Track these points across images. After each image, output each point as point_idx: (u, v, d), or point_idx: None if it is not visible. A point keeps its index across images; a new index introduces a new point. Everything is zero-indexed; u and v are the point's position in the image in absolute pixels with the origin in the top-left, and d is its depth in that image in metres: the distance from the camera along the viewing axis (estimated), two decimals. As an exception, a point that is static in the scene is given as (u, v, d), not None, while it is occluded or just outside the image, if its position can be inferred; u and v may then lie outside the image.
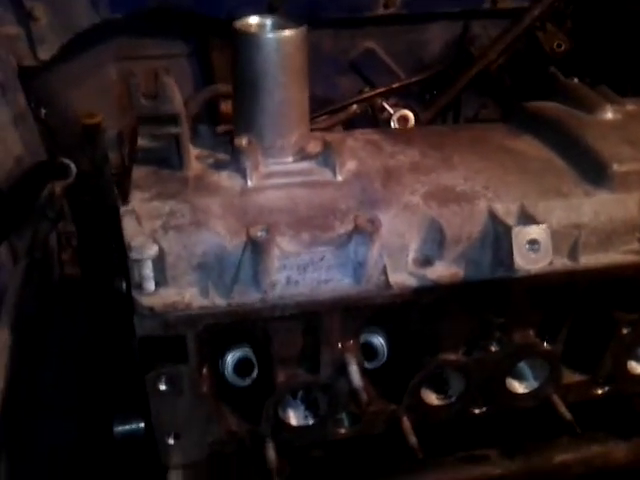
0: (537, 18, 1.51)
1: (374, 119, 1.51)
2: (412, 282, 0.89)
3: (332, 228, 0.88)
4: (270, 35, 0.90)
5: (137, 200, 0.88)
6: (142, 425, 1.01)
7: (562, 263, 0.92)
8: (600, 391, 1.09)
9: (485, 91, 1.67)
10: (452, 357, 0.98)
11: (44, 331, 1.28)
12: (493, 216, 0.89)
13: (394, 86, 1.55)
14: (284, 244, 0.85)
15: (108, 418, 1.01)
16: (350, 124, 1.50)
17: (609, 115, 1.06)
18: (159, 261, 0.82)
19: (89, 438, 1.26)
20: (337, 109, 1.48)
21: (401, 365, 1.00)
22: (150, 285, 0.83)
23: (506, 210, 0.89)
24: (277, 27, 0.94)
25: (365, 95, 1.51)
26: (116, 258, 0.95)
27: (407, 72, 1.63)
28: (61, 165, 1.29)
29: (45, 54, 1.31)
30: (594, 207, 0.92)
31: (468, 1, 1.58)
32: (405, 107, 1.48)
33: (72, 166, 1.29)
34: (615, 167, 0.93)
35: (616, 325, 1.02)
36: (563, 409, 1.04)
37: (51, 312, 1.33)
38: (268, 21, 0.95)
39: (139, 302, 0.83)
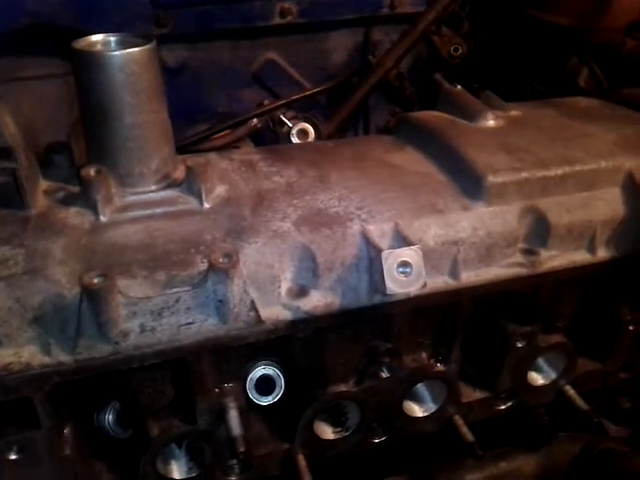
0: (432, 22, 1.48)
1: (274, 134, 1.44)
2: (286, 315, 0.82)
3: (192, 264, 0.80)
4: (112, 53, 0.82)
5: (-37, 248, 0.77)
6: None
7: (443, 281, 0.88)
8: (503, 406, 1.06)
9: (391, 99, 1.63)
10: (342, 388, 0.92)
11: None
12: (366, 239, 0.83)
13: (293, 97, 1.47)
14: (133, 288, 0.76)
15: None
16: (259, 139, 1.42)
17: (490, 122, 1.02)
18: (-13, 318, 0.72)
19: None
20: (237, 123, 1.40)
21: (294, 400, 0.93)
22: (-22, 346, 0.72)
23: (380, 231, 0.84)
24: (123, 45, 0.86)
25: (264, 108, 1.44)
26: None
27: (312, 82, 1.55)
28: None
29: None
30: (472, 222, 0.88)
31: (366, 7, 1.53)
32: (305, 120, 1.41)
33: None
34: (490, 179, 0.89)
35: (509, 339, 0.98)
36: (464, 430, 1.00)
37: None
38: (112, 38, 0.87)
39: (-32, 367, 0.72)
